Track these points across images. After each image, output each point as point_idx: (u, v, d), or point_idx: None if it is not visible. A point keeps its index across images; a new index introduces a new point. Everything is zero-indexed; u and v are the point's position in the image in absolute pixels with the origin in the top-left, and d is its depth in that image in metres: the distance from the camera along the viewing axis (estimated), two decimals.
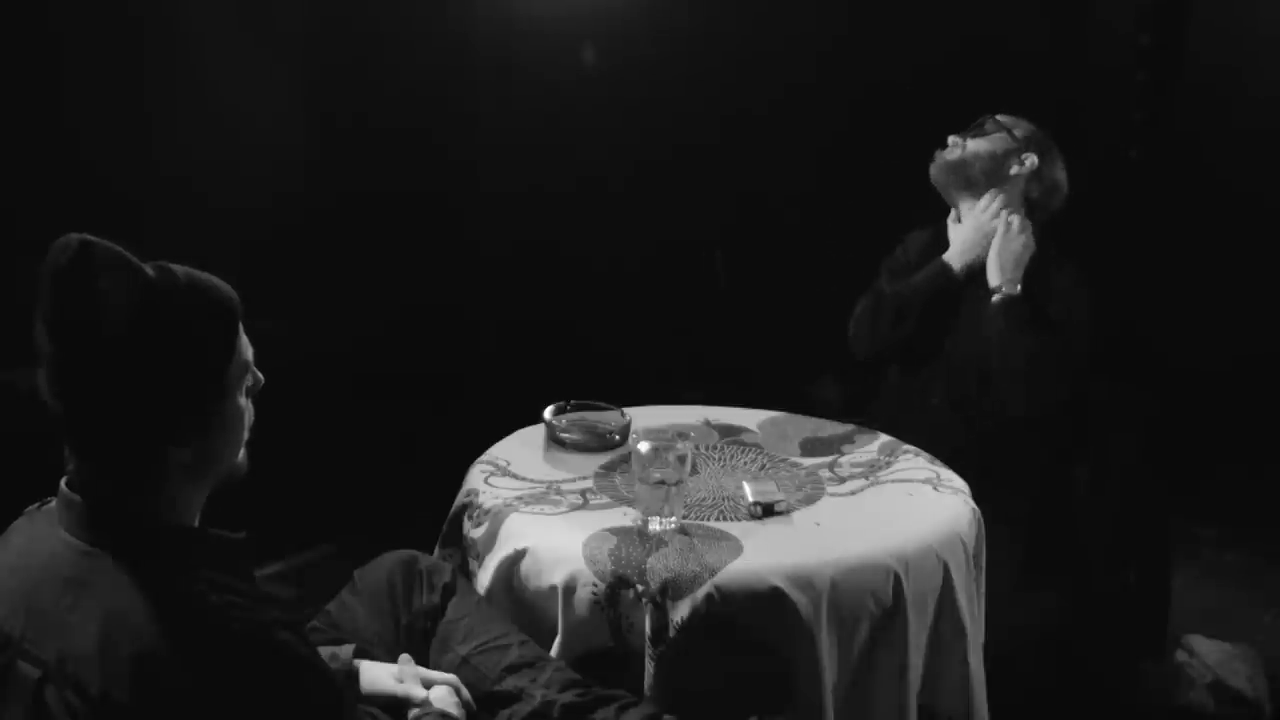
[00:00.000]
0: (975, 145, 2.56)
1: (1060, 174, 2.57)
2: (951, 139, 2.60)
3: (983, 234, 2.53)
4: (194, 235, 2.22)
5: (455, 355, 3.46)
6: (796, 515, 1.93)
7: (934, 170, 2.60)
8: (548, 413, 2.26)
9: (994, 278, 2.47)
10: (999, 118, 2.58)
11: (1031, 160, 2.54)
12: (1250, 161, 3.41)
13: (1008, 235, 2.49)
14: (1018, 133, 2.55)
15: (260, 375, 1.40)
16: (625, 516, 1.89)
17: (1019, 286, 2.45)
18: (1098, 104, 3.48)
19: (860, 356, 2.64)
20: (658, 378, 2.88)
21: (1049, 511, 2.41)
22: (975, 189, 2.56)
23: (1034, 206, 2.57)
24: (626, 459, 2.07)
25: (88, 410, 1.25)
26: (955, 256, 2.56)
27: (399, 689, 1.65)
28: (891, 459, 2.19)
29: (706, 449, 2.22)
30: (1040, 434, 2.44)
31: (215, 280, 1.33)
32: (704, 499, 1.98)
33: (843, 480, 2.09)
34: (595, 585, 1.74)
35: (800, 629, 1.70)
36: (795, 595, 1.70)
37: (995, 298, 2.45)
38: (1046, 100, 2.64)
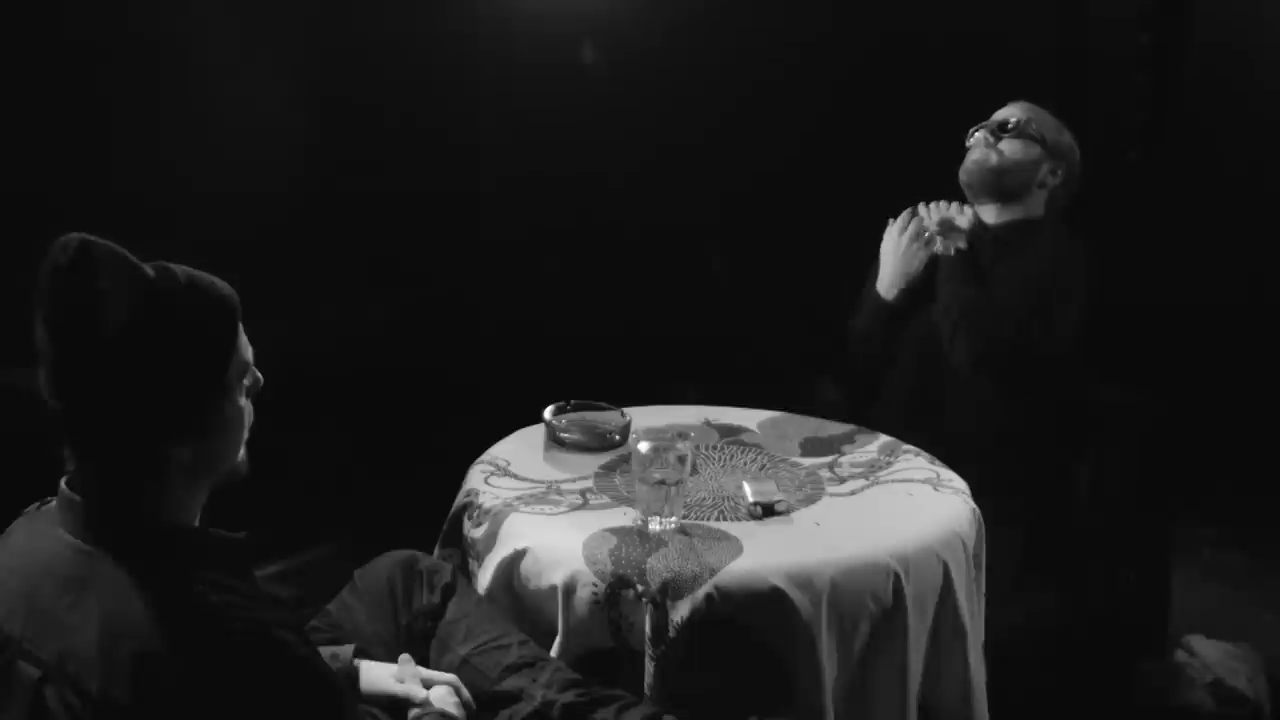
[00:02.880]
0: (1011, 151, 2.50)
1: (1078, 168, 2.55)
2: (979, 136, 2.53)
3: (908, 252, 2.53)
4: (193, 235, 2.22)
5: (455, 355, 3.46)
6: (796, 515, 1.93)
7: (967, 174, 2.53)
8: (548, 413, 2.26)
9: (883, 288, 2.55)
10: (1027, 115, 2.51)
11: (1061, 173, 2.52)
12: (1258, 156, 3.40)
13: (908, 253, 2.51)
14: (1049, 138, 2.50)
15: (260, 375, 1.40)
16: (625, 516, 1.89)
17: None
18: (1098, 103, 3.48)
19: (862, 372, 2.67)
20: (658, 378, 2.88)
21: (1048, 511, 2.40)
22: (1004, 198, 2.52)
23: (1052, 198, 2.55)
24: (626, 459, 2.07)
25: (87, 410, 1.25)
26: (884, 284, 2.56)
27: (399, 689, 1.65)
28: (891, 459, 2.19)
29: (706, 449, 2.22)
30: (1026, 415, 2.44)
31: (215, 280, 1.33)
32: (704, 499, 1.98)
33: (843, 480, 2.09)
34: (595, 585, 1.74)
35: (800, 629, 1.70)
36: (795, 595, 1.70)
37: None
38: (1046, 99, 2.63)
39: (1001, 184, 2.51)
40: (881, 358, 2.58)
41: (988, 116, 2.57)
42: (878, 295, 2.57)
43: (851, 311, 2.66)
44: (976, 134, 2.54)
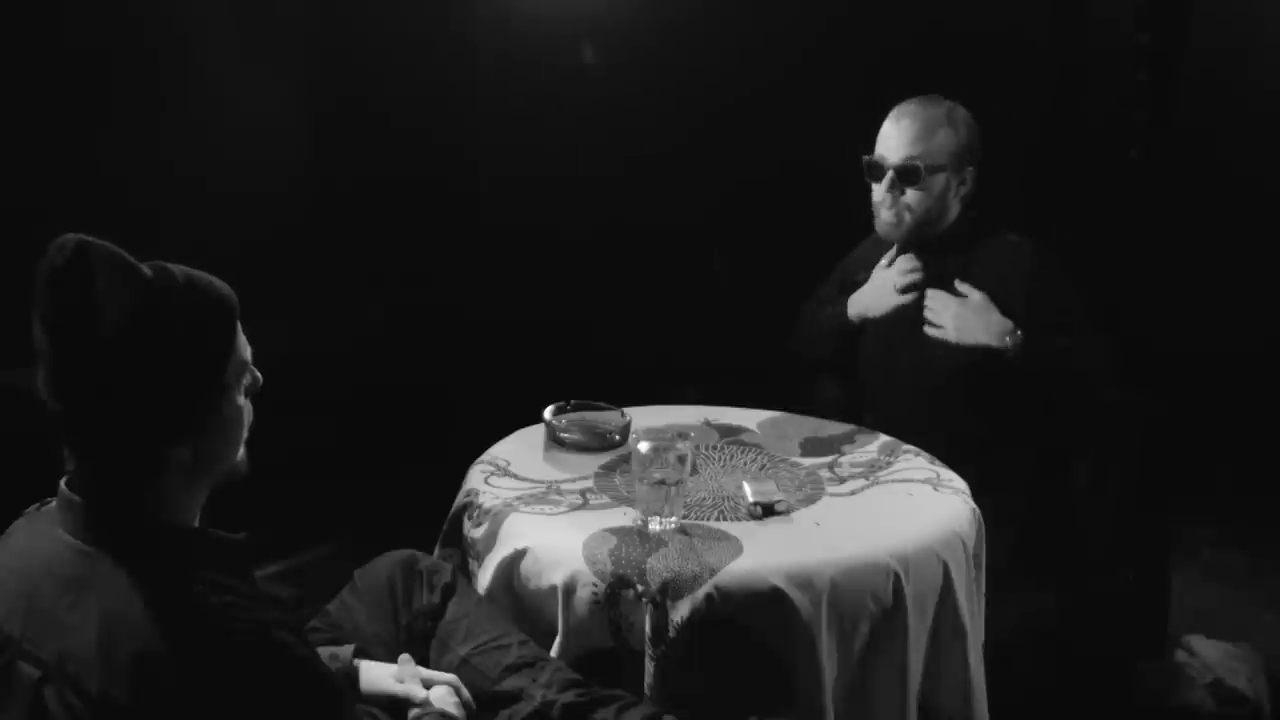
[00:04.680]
0: (919, 201, 2.42)
1: (980, 153, 2.46)
2: (882, 195, 2.43)
3: (880, 294, 2.50)
4: (193, 235, 2.22)
5: (455, 355, 3.46)
6: (796, 515, 1.93)
7: (884, 234, 2.49)
8: (548, 413, 2.26)
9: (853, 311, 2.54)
10: (922, 143, 2.38)
11: (970, 174, 2.45)
12: (1258, 155, 3.40)
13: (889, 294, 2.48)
14: (952, 154, 2.40)
15: (259, 374, 1.40)
16: (625, 516, 1.89)
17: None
18: (1098, 103, 3.48)
19: (801, 360, 2.70)
20: (658, 378, 2.88)
21: (1048, 511, 2.40)
22: (931, 232, 2.46)
23: (964, 197, 2.47)
24: (626, 459, 2.07)
25: (86, 410, 1.25)
26: (853, 307, 2.55)
27: (399, 689, 1.65)
28: (891, 459, 2.19)
29: (706, 449, 2.22)
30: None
31: (213, 280, 1.33)
32: (704, 499, 1.98)
33: (843, 480, 2.09)
34: (595, 585, 1.74)
35: (800, 629, 1.70)
36: (795, 595, 1.70)
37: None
38: (1046, 98, 2.63)
39: (921, 232, 2.46)
40: (821, 362, 2.64)
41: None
42: (844, 308, 2.57)
43: (813, 302, 2.69)
44: (877, 189, 2.45)
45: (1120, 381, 2.41)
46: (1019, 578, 2.21)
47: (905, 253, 2.51)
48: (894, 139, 2.43)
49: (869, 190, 2.49)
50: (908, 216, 2.44)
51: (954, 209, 2.47)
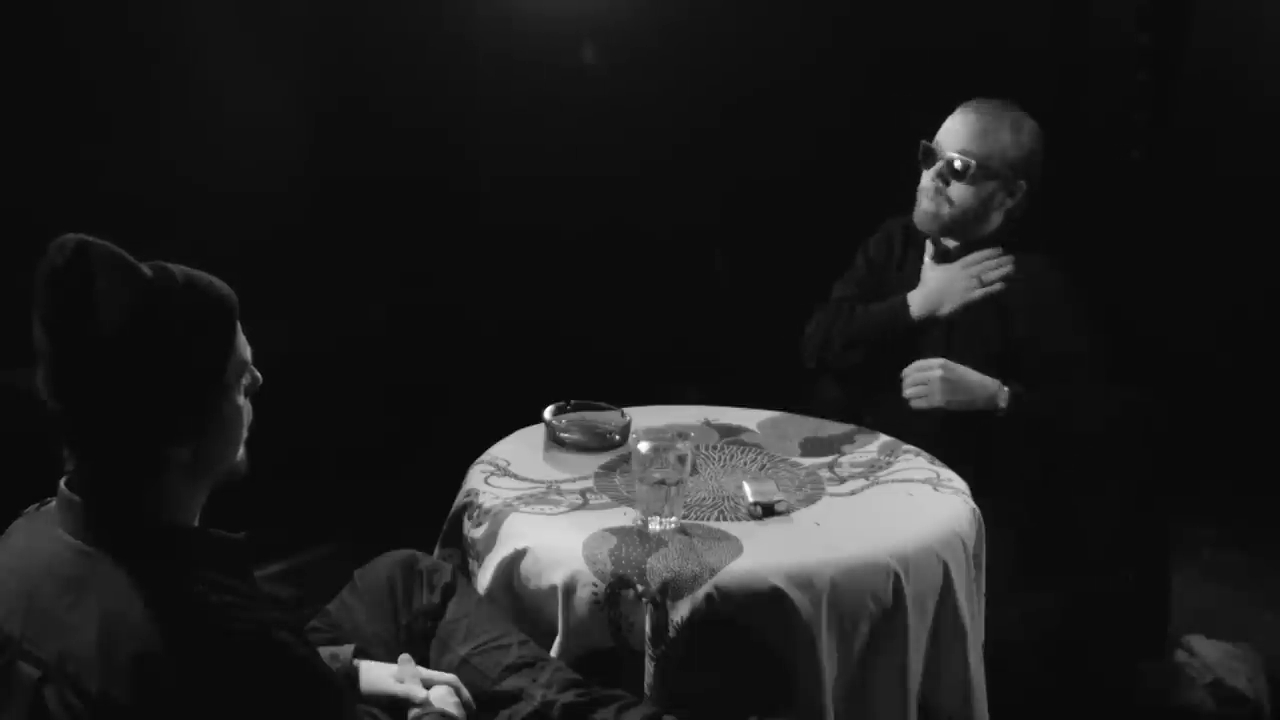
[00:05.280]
0: (963, 197, 2.38)
1: (1039, 170, 2.42)
2: (928, 183, 2.40)
3: (953, 290, 2.42)
4: (192, 235, 2.22)
5: (455, 355, 3.46)
6: (796, 515, 1.93)
7: (920, 222, 2.44)
8: (548, 413, 2.26)
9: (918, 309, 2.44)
10: (980, 146, 2.34)
11: (1021, 189, 2.39)
12: (1258, 155, 3.40)
13: (965, 292, 2.40)
14: (1007, 162, 2.36)
15: (259, 374, 1.40)
16: (625, 516, 1.89)
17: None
18: (1098, 103, 3.48)
19: (807, 364, 2.61)
20: (658, 378, 2.88)
21: (1048, 512, 2.40)
22: (961, 235, 2.44)
23: (1008, 214, 2.43)
24: (626, 459, 2.07)
25: (86, 410, 1.25)
26: (918, 304, 2.44)
27: (399, 689, 1.65)
28: (891, 459, 2.19)
29: (706, 449, 2.22)
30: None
31: (213, 279, 1.33)
32: (704, 499, 1.98)
33: (843, 480, 2.09)
34: (595, 585, 1.74)
35: (800, 629, 1.70)
36: (795, 595, 1.70)
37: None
38: (1046, 98, 2.62)
39: (956, 227, 2.42)
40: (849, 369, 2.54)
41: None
42: (904, 300, 2.47)
43: (843, 287, 2.61)
44: (925, 175, 2.42)
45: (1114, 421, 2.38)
46: (1019, 578, 2.21)
47: (940, 247, 2.46)
48: (955, 131, 2.39)
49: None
50: (946, 210, 2.40)
51: (995, 219, 2.42)
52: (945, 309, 2.43)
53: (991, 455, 2.32)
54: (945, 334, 2.43)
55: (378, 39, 3.33)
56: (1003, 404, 2.28)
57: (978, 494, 2.05)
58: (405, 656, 1.71)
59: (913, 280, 2.51)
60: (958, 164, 2.37)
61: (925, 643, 1.85)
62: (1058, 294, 2.38)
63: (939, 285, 2.45)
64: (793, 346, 2.67)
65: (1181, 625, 2.68)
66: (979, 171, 2.36)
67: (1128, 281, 3.31)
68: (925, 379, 2.32)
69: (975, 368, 2.32)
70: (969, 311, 2.41)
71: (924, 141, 2.44)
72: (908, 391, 2.34)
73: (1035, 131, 2.41)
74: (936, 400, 2.31)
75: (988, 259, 2.42)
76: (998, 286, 2.39)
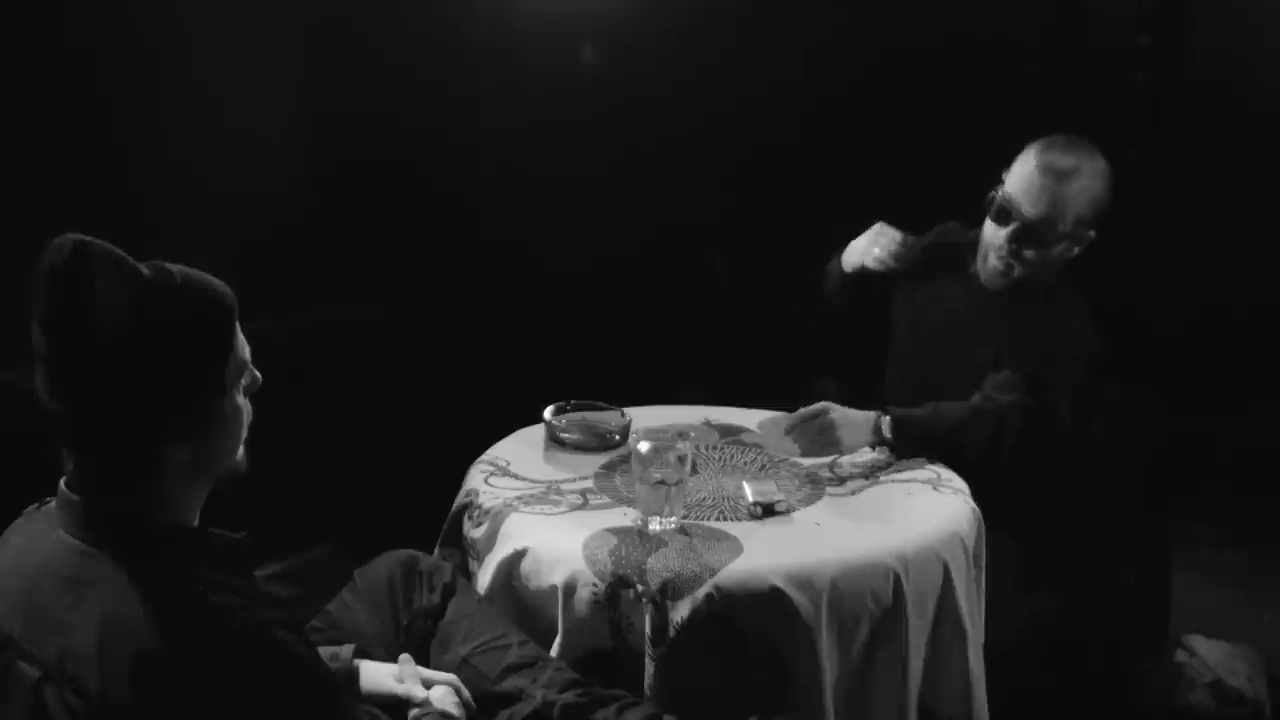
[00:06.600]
0: (1035, 258, 2.24)
1: (1104, 219, 2.31)
2: (1002, 240, 2.22)
3: (864, 248, 2.42)
4: (192, 235, 2.22)
5: (455, 355, 3.46)
6: (796, 515, 1.93)
7: (986, 279, 2.31)
8: (548, 413, 2.26)
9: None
10: (1068, 207, 2.18)
11: (1090, 238, 2.26)
12: (1258, 155, 3.40)
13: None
14: (1082, 221, 2.22)
15: (258, 374, 1.40)
16: (625, 516, 1.89)
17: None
18: (1098, 103, 3.47)
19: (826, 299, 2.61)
20: (658, 378, 2.88)
21: (1048, 512, 2.40)
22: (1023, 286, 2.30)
23: (1066, 263, 2.32)
24: (626, 459, 2.07)
25: (85, 410, 1.25)
26: (850, 258, 2.47)
27: (399, 689, 1.64)
28: (891, 459, 2.19)
29: (706, 449, 2.22)
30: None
31: (211, 279, 1.33)
32: (704, 499, 1.98)
33: (843, 480, 2.09)
34: (595, 585, 1.74)
35: (800, 629, 1.70)
36: (795, 595, 1.70)
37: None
38: (1046, 98, 2.62)
39: (1022, 285, 2.29)
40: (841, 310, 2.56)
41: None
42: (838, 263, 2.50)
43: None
44: (996, 232, 2.25)
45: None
46: (1019, 577, 2.21)
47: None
48: (1037, 191, 2.19)
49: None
50: (1016, 270, 2.26)
51: (1057, 267, 2.30)
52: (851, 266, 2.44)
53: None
54: (938, 340, 2.42)
55: (378, 39, 3.33)
56: (887, 433, 2.15)
57: (977, 494, 2.05)
58: (405, 656, 1.71)
59: (933, 297, 2.45)
60: (1038, 230, 2.21)
61: (925, 643, 1.85)
62: (1075, 347, 2.29)
63: (861, 240, 2.46)
64: (792, 346, 2.67)
65: (1181, 625, 2.68)
66: (1058, 236, 2.22)
67: (1127, 281, 3.31)
68: (822, 425, 2.13)
69: (964, 378, 2.26)
70: (969, 329, 2.36)
71: (996, 194, 2.26)
72: (802, 446, 2.14)
73: (1108, 176, 2.26)
74: (837, 448, 2.14)
75: (893, 246, 2.38)
76: (880, 267, 2.37)
